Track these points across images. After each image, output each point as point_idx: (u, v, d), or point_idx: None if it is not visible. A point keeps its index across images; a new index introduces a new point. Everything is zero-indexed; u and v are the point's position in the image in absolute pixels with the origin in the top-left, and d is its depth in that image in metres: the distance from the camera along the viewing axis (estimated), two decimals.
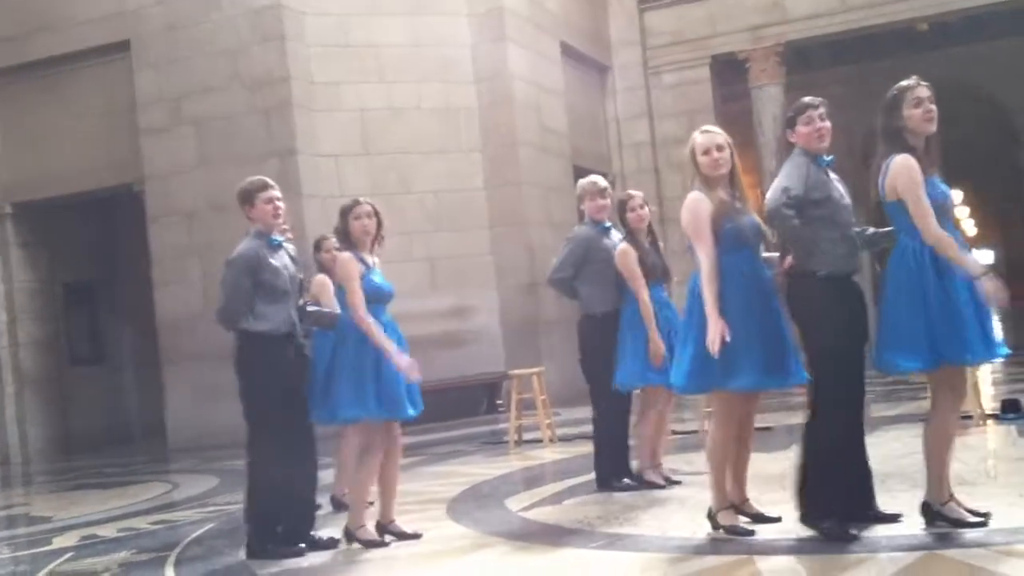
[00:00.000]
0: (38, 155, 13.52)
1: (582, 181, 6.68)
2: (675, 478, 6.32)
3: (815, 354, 4.49)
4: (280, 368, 5.31)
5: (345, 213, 5.36)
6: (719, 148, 4.64)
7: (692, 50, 16.21)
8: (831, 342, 4.41)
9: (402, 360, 5.17)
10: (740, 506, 4.82)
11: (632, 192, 6.52)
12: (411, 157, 12.96)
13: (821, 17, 15.61)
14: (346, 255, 5.32)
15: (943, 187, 4.39)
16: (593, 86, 16.41)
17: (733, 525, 4.67)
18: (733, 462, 4.76)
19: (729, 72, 16.59)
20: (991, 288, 4.16)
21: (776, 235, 4.62)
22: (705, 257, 4.52)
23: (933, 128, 4.38)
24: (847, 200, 4.59)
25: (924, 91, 4.41)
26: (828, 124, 4.59)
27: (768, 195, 4.57)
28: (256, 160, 12.11)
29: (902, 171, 4.30)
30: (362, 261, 5.33)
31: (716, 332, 4.38)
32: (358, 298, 5.22)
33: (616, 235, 6.47)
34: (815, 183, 4.48)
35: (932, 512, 4.38)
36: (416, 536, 5.36)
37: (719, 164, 4.63)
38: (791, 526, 4.57)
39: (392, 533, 5.38)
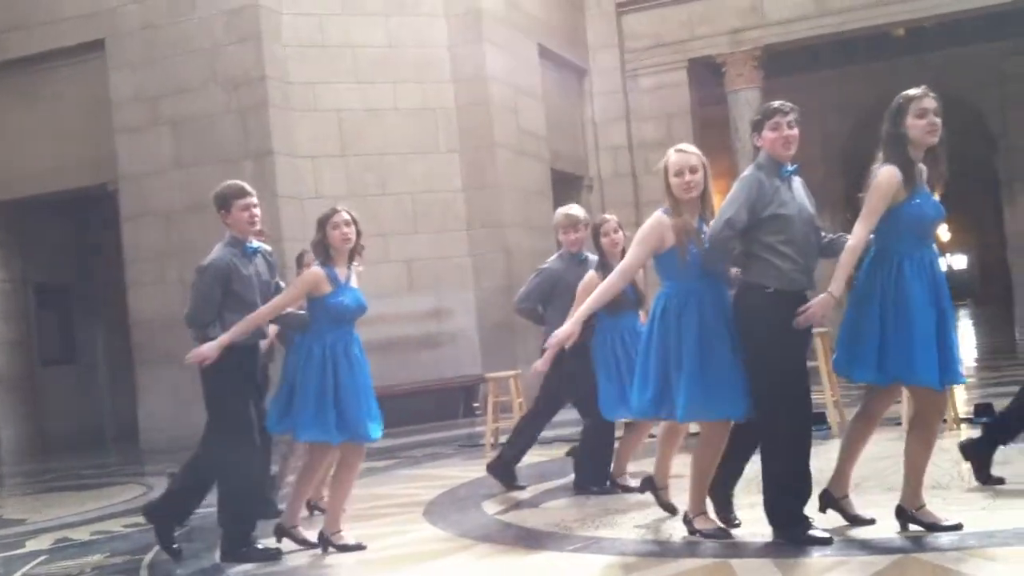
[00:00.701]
0: (12, 154, 13.40)
1: (558, 212, 6.68)
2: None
3: (756, 366, 4.47)
4: (243, 376, 5.31)
5: (323, 223, 5.28)
6: (692, 170, 4.57)
7: (670, 53, 16.23)
8: (774, 357, 4.41)
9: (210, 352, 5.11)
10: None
11: (606, 216, 6.42)
12: (388, 158, 12.93)
13: (798, 21, 15.68)
14: (315, 271, 5.26)
15: (938, 206, 4.40)
16: (571, 89, 16.42)
17: (709, 529, 4.68)
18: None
19: (707, 76, 16.65)
20: (817, 309, 4.34)
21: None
22: (629, 263, 4.71)
23: (934, 140, 4.40)
24: (808, 211, 4.54)
25: (930, 102, 4.41)
26: (796, 132, 4.53)
27: (712, 223, 4.56)
28: (232, 160, 12.06)
29: (880, 178, 4.33)
30: (334, 279, 5.26)
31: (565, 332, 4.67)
32: (281, 300, 5.25)
33: (594, 265, 6.40)
34: (766, 200, 4.43)
35: (906, 515, 4.41)
36: (360, 547, 5.26)
37: (691, 187, 4.57)
38: (767, 528, 4.58)
39: (334, 545, 5.30)
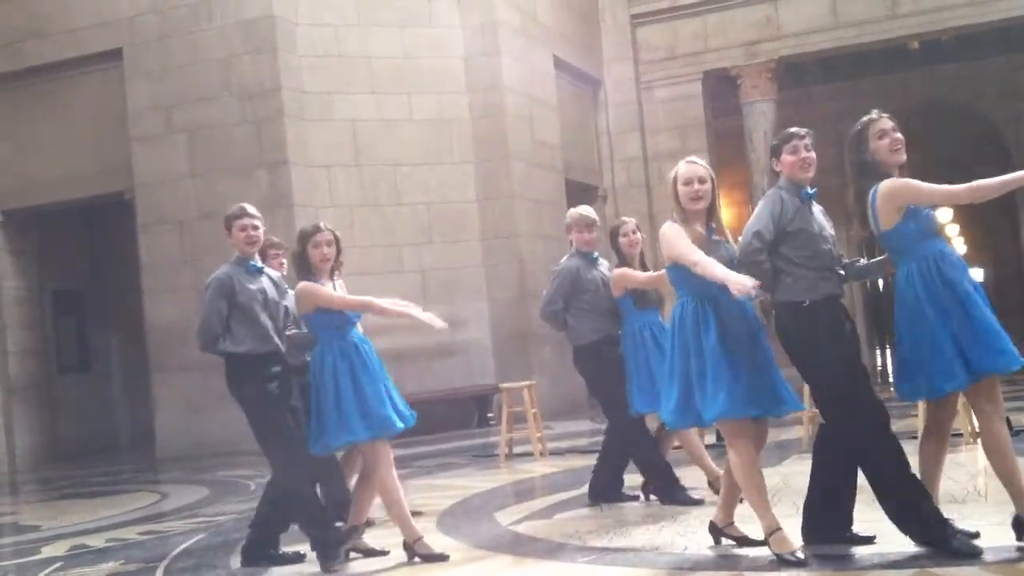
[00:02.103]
0: (29, 162, 13.50)
1: (571, 212, 6.70)
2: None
3: (815, 381, 4.58)
4: (268, 382, 5.35)
5: (304, 239, 5.32)
6: (700, 180, 4.63)
7: (684, 65, 16.26)
8: (828, 367, 4.44)
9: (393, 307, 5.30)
10: (724, 529, 4.79)
11: (625, 219, 6.58)
12: (403, 168, 12.97)
13: (814, 34, 15.69)
14: (307, 285, 5.27)
15: (925, 209, 4.41)
16: (585, 100, 16.45)
17: (784, 553, 4.37)
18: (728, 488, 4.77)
19: (721, 87, 16.66)
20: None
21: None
22: (696, 259, 4.45)
23: (902, 158, 4.40)
24: (828, 231, 4.58)
25: (887, 123, 4.43)
26: (813, 155, 4.58)
27: (741, 238, 4.60)
28: (247, 170, 12.14)
29: (897, 188, 4.33)
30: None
31: (739, 279, 4.26)
32: (336, 299, 5.28)
33: (604, 265, 6.51)
34: (790, 216, 4.48)
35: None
36: (443, 557, 5.21)
37: (699, 197, 4.63)
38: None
39: (419, 554, 5.23)
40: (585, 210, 6.68)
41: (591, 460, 8.39)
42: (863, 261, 4.69)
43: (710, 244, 4.58)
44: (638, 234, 6.34)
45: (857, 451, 4.46)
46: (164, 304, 12.50)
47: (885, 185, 4.35)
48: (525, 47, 14.10)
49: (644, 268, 6.36)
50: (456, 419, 12.65)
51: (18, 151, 13.59)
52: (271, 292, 5.53)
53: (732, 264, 4.51)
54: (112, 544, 6.67)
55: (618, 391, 6.23)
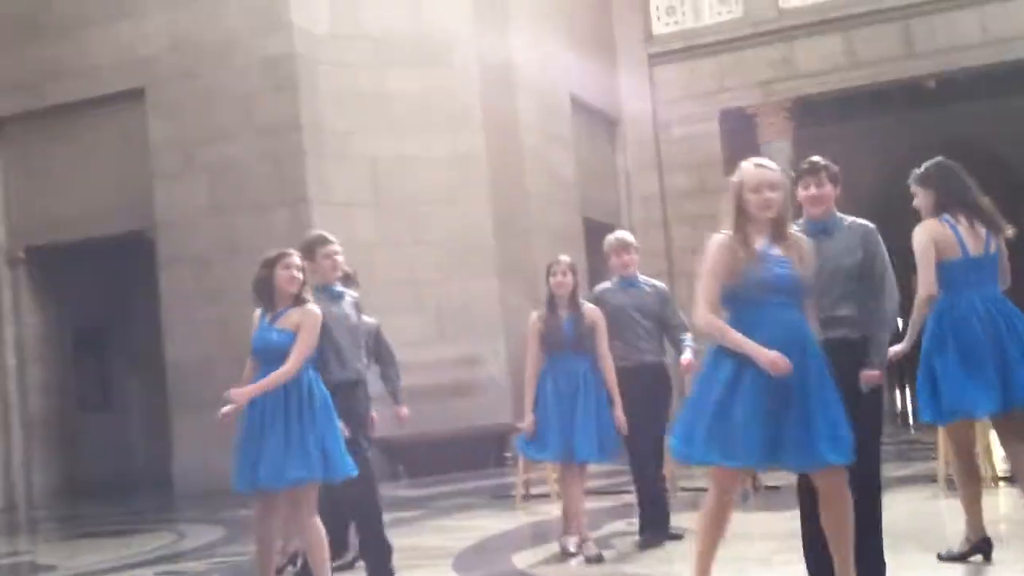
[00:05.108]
0: (51, 200, 13.61)
1: (607, 237, 6.72)
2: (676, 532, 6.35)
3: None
4: (349, 405, 5.42)
5: (272, 263, 5.14)
6: (771, 187, 4.06)
7: (701, 104, 16.32)
8: None
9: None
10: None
11: (561, 257, 6.49)
12: (420, 206, 13.02)
13: (830, 73, 15.73)
14: (313, 311, 5.16)
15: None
16: (603, 138, 16.52)
17: None
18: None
19: (738, 126, 16.70)
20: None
21: None
22: (706, 304, 4.05)
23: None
24: (836, 264, 4.44)
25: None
26: (822, 191, 4.53)
27: None
28: (268, 207, 12.22)
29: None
30: (260, 318, 5.20)
31: (769, 358, 3.82)
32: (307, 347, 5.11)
33: (645, 286, 6.51)
34: None
35: None
36: None
37: (769, 205, 4.06)
38: None
39: None
40: (620, 234, 6.72)
41: (608, 502, 8.41)
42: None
43: (763, 259, 4.02)
44: (567, 276, 6.28)
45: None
46: (184, 341, 12.54)
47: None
48: (542, 86, 14.19)
49: (575, 309, 6.27)
50: (472, 458, 12.60)
51: (40, 189, 13.72)
52: (353, 317, 5.66)
53: (789, 285, 4.02)
54: None
55: (634, 426, 6.22)
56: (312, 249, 5.59)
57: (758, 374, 3.84)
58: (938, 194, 5.08)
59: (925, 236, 4.97)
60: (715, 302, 4.04)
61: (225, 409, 4.98)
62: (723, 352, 3.98)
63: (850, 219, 4.65)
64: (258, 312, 5.23)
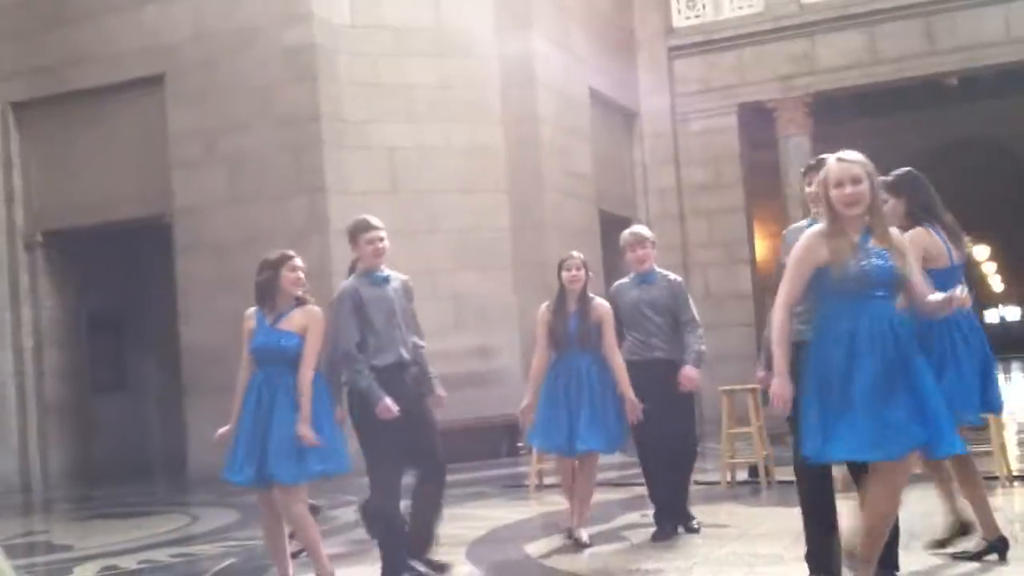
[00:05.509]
0: (70, 185, 13.68)
1: (624, 232, 6.73)
2: (695, 526, 6.36)
3: None
4: (393, 391, 5.43)
5: (278, 264, 5.24)
6: (855, 181, 4.04)
7: (720, 98, 16.28)
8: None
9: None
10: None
11: (573, 253, 6.59)
12: (438, 196, 13.03)
13: (850, 69, 15.66)
14: (315, 311, 5.28)
15: None
16: (620, 131, 16.49)
17: None
18: None
19: (757, 121, 16.66)
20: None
21: None
22: (783, 300, 4.12)
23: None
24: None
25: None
26: (813, 190, 4.59)
27: None
28: (286, 196, 12.25)
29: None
30: (259, 320, 5.27)
31: (779, 391, 4.01)
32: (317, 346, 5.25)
33: (660, 281, 6.50)
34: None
35: None
36: None
37: (854, 200, 4.04)
38: None
39: None
40: (635, 228, 6.74)
41: (620, 494, 8.43)
42: None
43: (862, 252, 4.03)
44: (581, 271, 6.38)
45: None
46: (200, 327, 12.60)
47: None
48: (560, 79, 14.18)
49: (584, 304, 6.36)
50: (485, 448, 12.63)
51: (59, 174, 13.79)
52: (401, 300, 5.65)
53: (887, 278, 4.01)
54: (143, 566, 6.73)
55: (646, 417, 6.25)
56: (355, 234, 5.62)
57: (867, 362, 3.89)
58: (909, 203, 5.06)
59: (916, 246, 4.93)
60: (792, 303, 4.12)
61: (223, 430, 5.28)
62: (826, 343, 4.00)
63: None
64: (253, 311, 5.30)
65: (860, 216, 4.06)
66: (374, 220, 5.66)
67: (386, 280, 5.67)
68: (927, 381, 3.95)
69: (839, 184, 4.05)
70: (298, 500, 5.24)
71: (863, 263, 3.99)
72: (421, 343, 5.81)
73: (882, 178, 4.97)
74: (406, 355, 5.59)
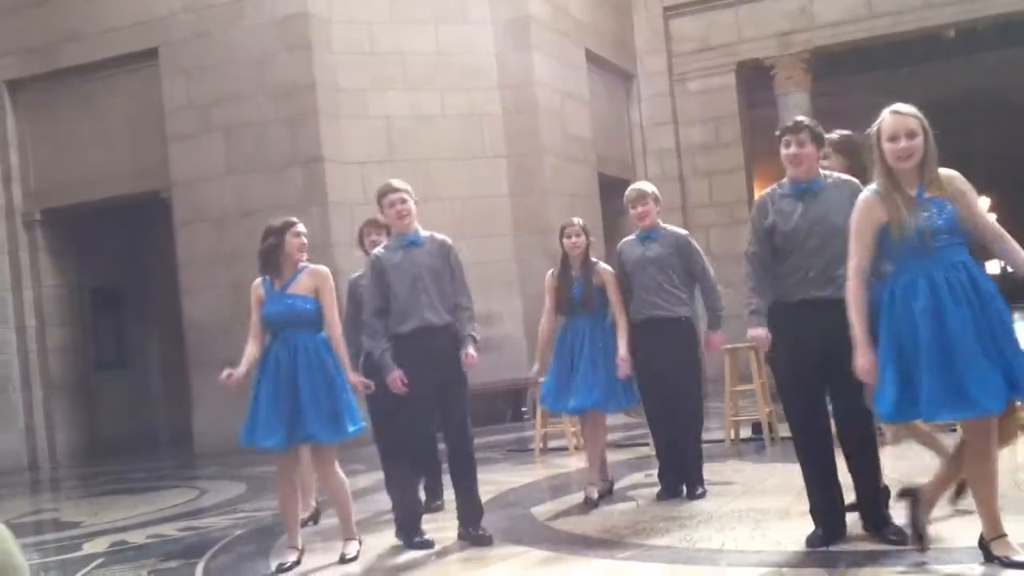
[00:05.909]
0: (67, 162, 13.64)
1: (627, 190, 6.68)
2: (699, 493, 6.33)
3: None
4: (408, 364, 5.44)
5: (282, 231, 5.34)
6: (910, 135, 3.93)
7: (718, 57, 16.17)
8: (776, 367, 4.72)
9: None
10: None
11: (573, 219, 6.66)
12: (436, 164, 12.98)
13: (848, 24, 15.54)
14: (320, 269, 5.41)
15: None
16: (618, 93, 16.40)
17: (1008, 556, 3.94)
18: None
19: (755, 79, 16.55)
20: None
21: None
22: (852, 269, 4.05)
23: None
24: (823, 224, 4.54)
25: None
26: (802, 151, 4.63)
27: None
28: (283, 167, 12.21)
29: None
30: (268, 289, 5.37)
31: (862, 361, 3.97)
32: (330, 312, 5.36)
33: (665, 236, 6.45)
34: (763, 217, 4.68)
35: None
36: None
37: (908, 155, 3.94)
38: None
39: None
40: (636, 185, 6.66)
41: (626, 454, 8.45)
42: None
43: (919, 206, 3.94)
44: (581, 237, 6.47)
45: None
46: (202, 301, 12.60)
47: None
48: (556, 42, 14.08)
49: (587, 269, 6.46)
50: (490, 414, 12.66)
51: (56, 151, 13.74)
52: (423, 265, 5.56)
53: (944, 228, 3.89)
54: (152, 540, 6.75)
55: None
56: (379, 200, 5.64)
57: (952, 313, 3.80)
58: (851, 164, 4.94)
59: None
60: (863, 270, 4.04)
61: (231, 372, 5.21)
62: (901, 301, 3.91)
63: (835, 175, 4.74)
64: (259, 281, 5.33)
65: (914, 169, 3.97)
66: (396, 182, 5.64)
67: (415, 243, 5.61)
68: (1007, 327, 3.83)
69: (894, 137, 3.95)
70: (333, 459, 5.44)
71: (924, 215, 3.91)
72: (466, 304, 5.71)
73: (828, 136, 4.94)
74: (435, 320, 5.50)
